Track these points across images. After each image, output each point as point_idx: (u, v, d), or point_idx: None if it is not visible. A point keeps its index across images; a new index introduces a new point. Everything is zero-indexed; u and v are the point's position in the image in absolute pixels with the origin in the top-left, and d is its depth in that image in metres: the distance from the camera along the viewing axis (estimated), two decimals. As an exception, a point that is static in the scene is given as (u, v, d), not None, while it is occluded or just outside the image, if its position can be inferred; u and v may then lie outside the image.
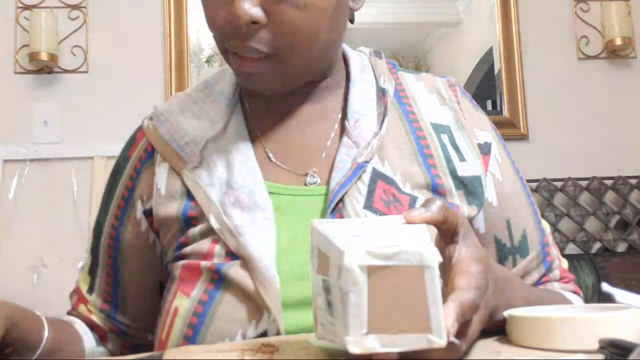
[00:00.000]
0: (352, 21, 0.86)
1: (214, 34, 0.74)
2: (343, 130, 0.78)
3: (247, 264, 0.68)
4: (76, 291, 0.87)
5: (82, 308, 0.85)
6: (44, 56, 2.18)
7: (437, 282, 0.43)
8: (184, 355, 0.58)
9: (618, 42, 2.42)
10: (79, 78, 2.27)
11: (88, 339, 0.82)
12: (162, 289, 0.82)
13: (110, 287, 0.83)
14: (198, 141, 0.77)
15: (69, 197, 2.19)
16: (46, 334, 0.70)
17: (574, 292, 0.83)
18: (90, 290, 0.85)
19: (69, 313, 0.87)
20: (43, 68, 2.24)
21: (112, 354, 0.84)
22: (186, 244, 0.74)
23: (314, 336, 0.53)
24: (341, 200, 0.71)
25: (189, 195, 0.75)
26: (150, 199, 0.79)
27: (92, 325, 0.84)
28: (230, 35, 0.71)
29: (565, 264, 0.85)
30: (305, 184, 0.76)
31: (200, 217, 0.74)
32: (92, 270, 0.85)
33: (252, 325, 0.66)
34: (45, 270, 2.10)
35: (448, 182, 0.76)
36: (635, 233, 2.27)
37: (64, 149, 2.22)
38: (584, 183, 2.33)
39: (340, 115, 0.81)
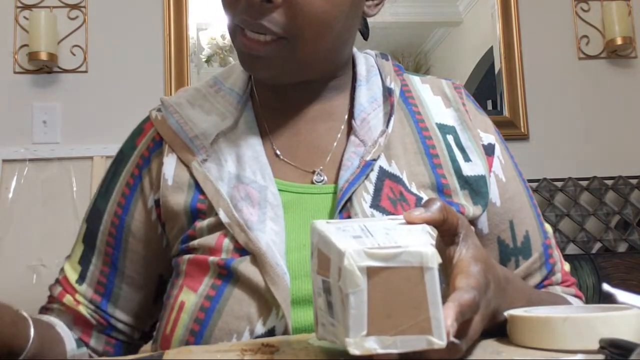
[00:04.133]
0: (365, 38, 0.86)
1: (226, 9, 0.74)
2: (350, 129, 0.79)
3: (257, 259, 0.68)
4: (60, 282, 0.82)
5: (68, 299, 0.80)
6: (43, 56, 2.18)
7: (438, 283, 0.43)
8: (184, 356, 0.58)
9: (618, 41, 2.42)
10: (78, 78, 2.27)
11: (69, 341, 0.78)
12: (161, 282, 0.81)
13: (106, 278, 0.81)
14: (208, 134, 0.77)
15: (69, 197, 2.18)
16: (32, 337, 0.67)
17: (576, 295, 0.83)
18: (81, 279, 0.81)
19: (46, 307, 0.82)
20: (42, 68, 2.24)
21: (94, 351, 0.81)
22: (193, 237, 0.74)
23: (315, 336, 0.53)
24: (349, 198, 0.71)
25: (197, 188, 0.75)
26: (158, 189, 0.78)
27: (76, 319, 0.80)
28: (242, 11, 0.70)
29: (567, 267, 0.85)
30: (312, 182, 0.76)
31: (208, 210, 0.73)
32: (84, 260, 0.82)
33: (260, 322, 0.66)
34: (45, 270, 2.10)
35: (453, 182, 0.76)
36: (636, 233, 2.26)
37: (63, 149, 2.21)
38: (584, 183, 2.33)
39: (346, 115, 0.81)
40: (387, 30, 2.43)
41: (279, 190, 0.74)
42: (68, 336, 0.78)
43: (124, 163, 0.83)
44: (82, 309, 0.80)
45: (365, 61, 0.85)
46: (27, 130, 2.22)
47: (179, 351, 0.62)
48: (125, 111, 2.19)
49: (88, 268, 0.81)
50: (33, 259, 2.11)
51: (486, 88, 2.44)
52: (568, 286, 0.83)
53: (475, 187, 0.77)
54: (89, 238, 0.82)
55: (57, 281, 0.83)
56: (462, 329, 0.48)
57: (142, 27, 2.32)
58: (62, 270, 0.84)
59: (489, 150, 0.81)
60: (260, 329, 0.66)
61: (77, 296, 0.80)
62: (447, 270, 0.53)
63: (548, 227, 0.85)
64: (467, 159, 0.78)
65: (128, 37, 2.31)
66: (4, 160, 2.18)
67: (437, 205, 0.52)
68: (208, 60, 2.35)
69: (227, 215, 0.71)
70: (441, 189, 0.75)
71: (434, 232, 0.55)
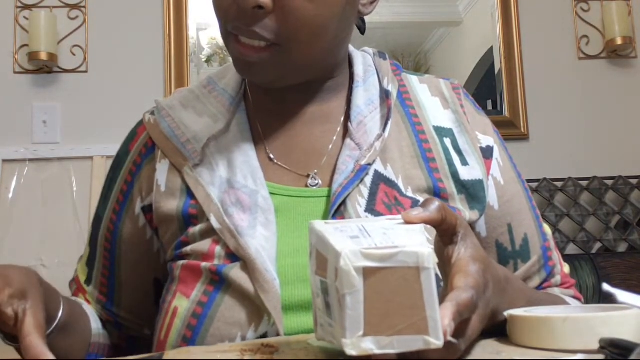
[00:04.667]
0: (362, 32, 0.85)
1: (218, 16, 0.73)
2: (346, 132, 0.77)
3: (247, 265, 0.68)
4: (75, 280, 0.86)
5: (80, 297, 0.84)
6: (43, 56, 2.18)
7: (434, 283, 0.43)
8: (184, 356, 0.58)
9: (618, 41, 2.42)
10: (78, 78, 2.27)
11: (94, 319, 0.82)
12: (158, 285, 0.81)
13: (106, 280, 0.83)
14: (200, 138, 0.77)
15: (69, 197, 2.18)
16: (61, 309, 0.70)
17: (575, 297, 0.83)
18: (88, 281, 0.84)
19: None
20: (42, 68, 2.24)
21: (110, 343, 0.84)
22: (186, 243, 0.73)
23: (314, 337, 0.53)
24: (343, 202, 0.71)
25: (189, 193, 0.75)
26: (150, 194, 0.78)
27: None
28: (235, 18, 0.70)
29: (566, 268, 0.85)
30: (307, 186, 0.75)
31: (200, 216, 0.73)
32: (90, 262, 0.85)
33: (251, 328, 0.66)
34: (45, 270, 2.10)
35: (450, 186, 0.75)
36: (636, 233, 2.26)
37: (63, 149, 2.22)
38: (584, 183, 2.33)
39: (343, 117, 0.80)
40: (387, 30, 2.43)
41: (272, 194, 0.73)
42: (93, 315, 0.82)
43: (119, 169, 0.84)
44: (93, 308, 0.84)
45: (363, 60, 0.84)
46: (27, 130, 2.22)
47: (178, 351, 0.62)
48: (125, 111, 2.18)
49: (93, 271, 0.84)
50: (33, 259, 2.10)
51: (486, 88, 2.44)
52: (567, 288, 0.83)
53: (473, 192, 0.76)
54: (93, 242, 0.85)
55: (73, 279, 0.87)
56: (460, 329, 0.48)
57: (142, 27, 2.32)
58: (76, 269, 0.87)
59: (487, 153, 0.80)
60: (252, 335, 0.66)
61: (87, 296, 0.84)
62: (445, 269, 0.53)
63: (547, 229, 0.84)
64: (464, 162, 0.77)
65: (128, 37, 2.31)
66: (4, 160, 2.18)
67: (435, 204, 0.52)
68: (208, 60, 2.35)
69: (218, 221, 0.71)
70: (438, 193, 0.74)
71: (431, 233, 0.54)
